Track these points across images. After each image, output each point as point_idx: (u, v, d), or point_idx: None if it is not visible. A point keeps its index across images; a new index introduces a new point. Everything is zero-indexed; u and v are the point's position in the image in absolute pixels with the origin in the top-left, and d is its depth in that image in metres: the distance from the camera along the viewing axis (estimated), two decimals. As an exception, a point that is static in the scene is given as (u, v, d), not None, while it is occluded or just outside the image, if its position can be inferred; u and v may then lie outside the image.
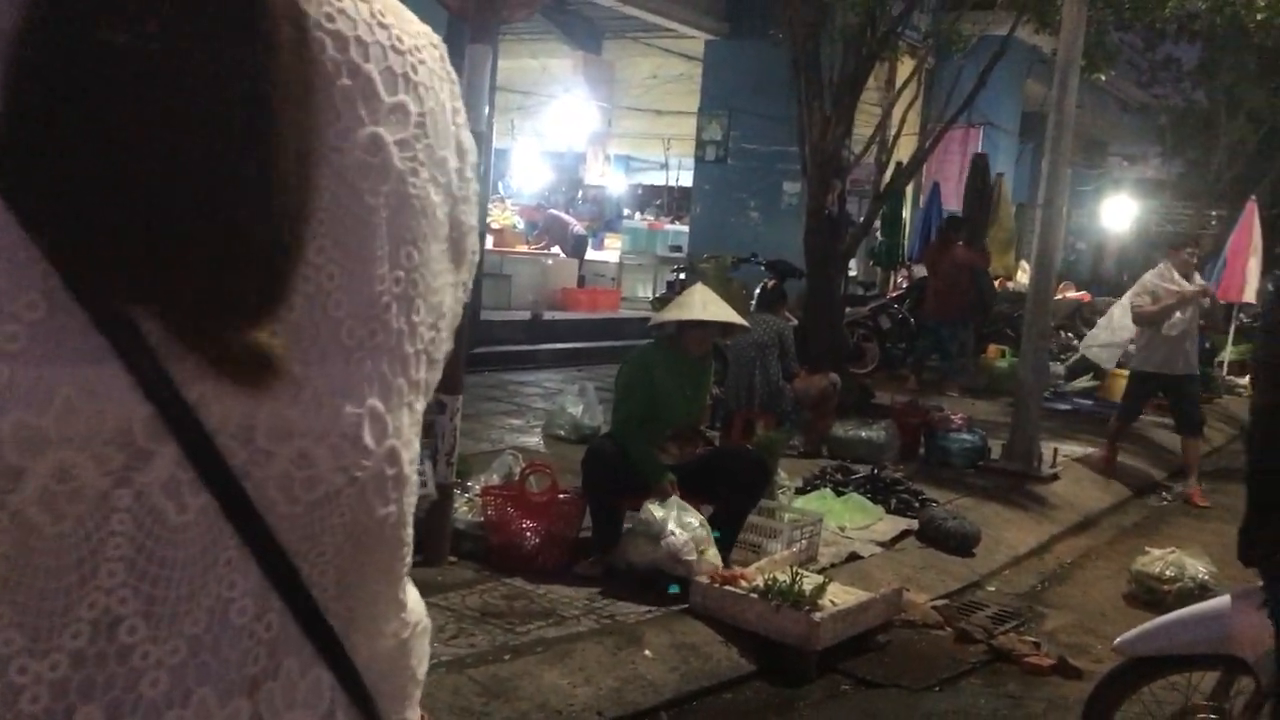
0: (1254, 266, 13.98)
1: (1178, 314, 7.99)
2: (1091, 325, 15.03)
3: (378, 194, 0.64)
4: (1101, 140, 25.47)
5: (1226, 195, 18.28)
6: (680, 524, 4.63)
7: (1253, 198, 14.73)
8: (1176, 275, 8.10)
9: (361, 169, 0.63)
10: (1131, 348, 9.62)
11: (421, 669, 0.77)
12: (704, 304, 5.18)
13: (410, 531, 0.69)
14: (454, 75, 0.72)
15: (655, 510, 4.65)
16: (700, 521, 4.72)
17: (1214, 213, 19.11)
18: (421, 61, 0.68)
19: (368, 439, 0.63)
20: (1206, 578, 5.46)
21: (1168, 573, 5.56)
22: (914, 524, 6.17)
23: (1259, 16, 9.08)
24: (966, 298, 11.82)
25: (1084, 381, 12.76)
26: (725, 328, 5.39)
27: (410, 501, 0.68)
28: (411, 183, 0.66)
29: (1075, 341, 14.68)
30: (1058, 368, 13.11)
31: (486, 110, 5.42)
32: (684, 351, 5.12)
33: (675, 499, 4.71)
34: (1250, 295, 14.78)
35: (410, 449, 0.67)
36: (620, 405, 5.09)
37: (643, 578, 4.65)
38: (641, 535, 4.68)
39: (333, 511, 0.62)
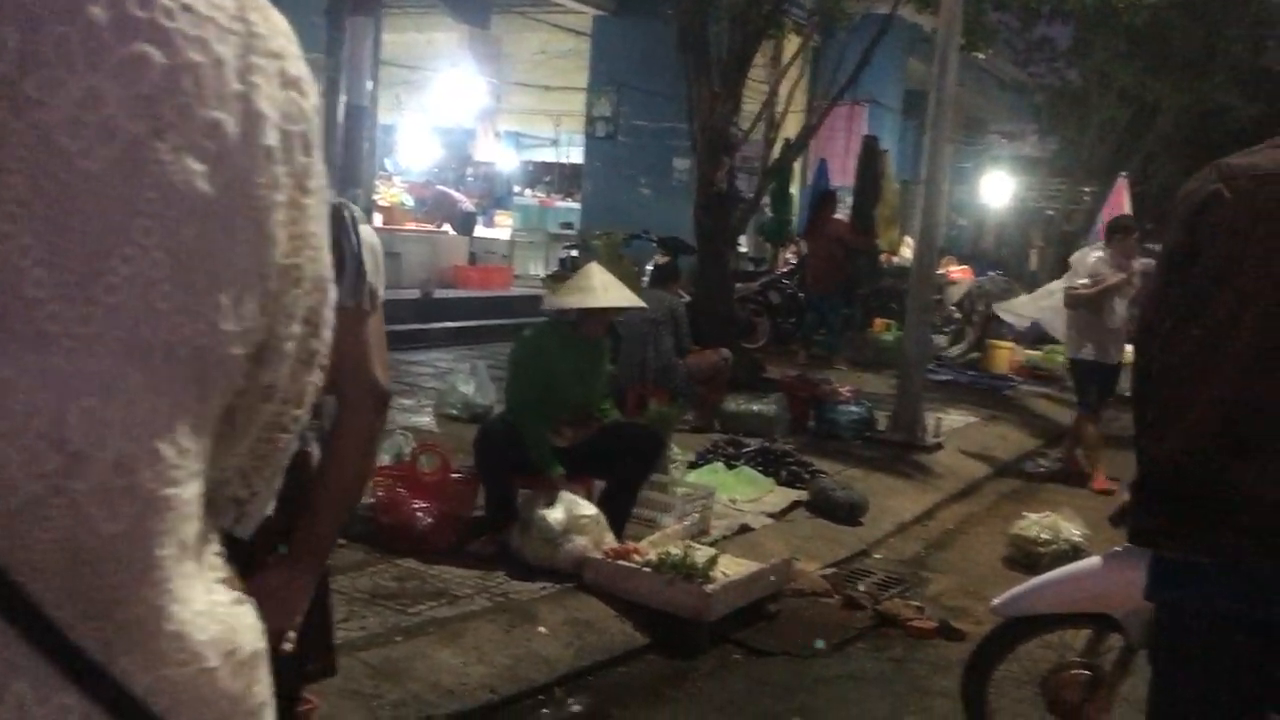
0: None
1: (1117, 302, 7.51)
2: (983, 304, 15.48)
3: (94, 157, 0.54)
4: (981, 118, 26.13)
5: (1099, 172, 18.92)
6: (578, 526, 4.62)
7: (1123, 174, 15.30)
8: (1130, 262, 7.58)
9: (72, 127, 0.54)
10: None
11: (256, 696, 0.68)
12: (604, 287, 5.13)
13: (169, 554, 0.60)
14: (260, 28, 0.61)
15: (550, 514, 4.62)
16: (595, 514, 4.72)
17: (1087, 189, 19.77)
18: (185, 7, 0.57)
19: (77, 443, 0.54)
20: (1079, 540, 5.68)
21: (1043, 536, 5.77)
22: (804, 495, 6.29)
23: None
24: (843, 271, 12.06)
25: (961, 349, 13.13)
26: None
27: (166, 519, 0.59)
28: (153, 146, 0.56)
29: (957, 315, 15.10)
30: (942, 340, 13.48)
31: (370, 84, 5.32)
32: (581, 333, 5.09)
33: (565, 495, 4.71)
34: (1121, 268, 15.38)
35: (160, 461, 0.57)
36: (515, 388, 5.04)
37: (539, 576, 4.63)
38: (539, 539, 4.63)
39: (38, 524, 0.54)
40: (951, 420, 9.13)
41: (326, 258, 0.69)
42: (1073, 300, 7.72)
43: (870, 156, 13.95)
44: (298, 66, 0.63)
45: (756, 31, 9.33)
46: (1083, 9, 14.42)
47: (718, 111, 9.31)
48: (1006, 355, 12.61)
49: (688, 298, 9.71)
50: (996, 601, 3.39)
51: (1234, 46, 18.13)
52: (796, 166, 14.97)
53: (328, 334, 0.72)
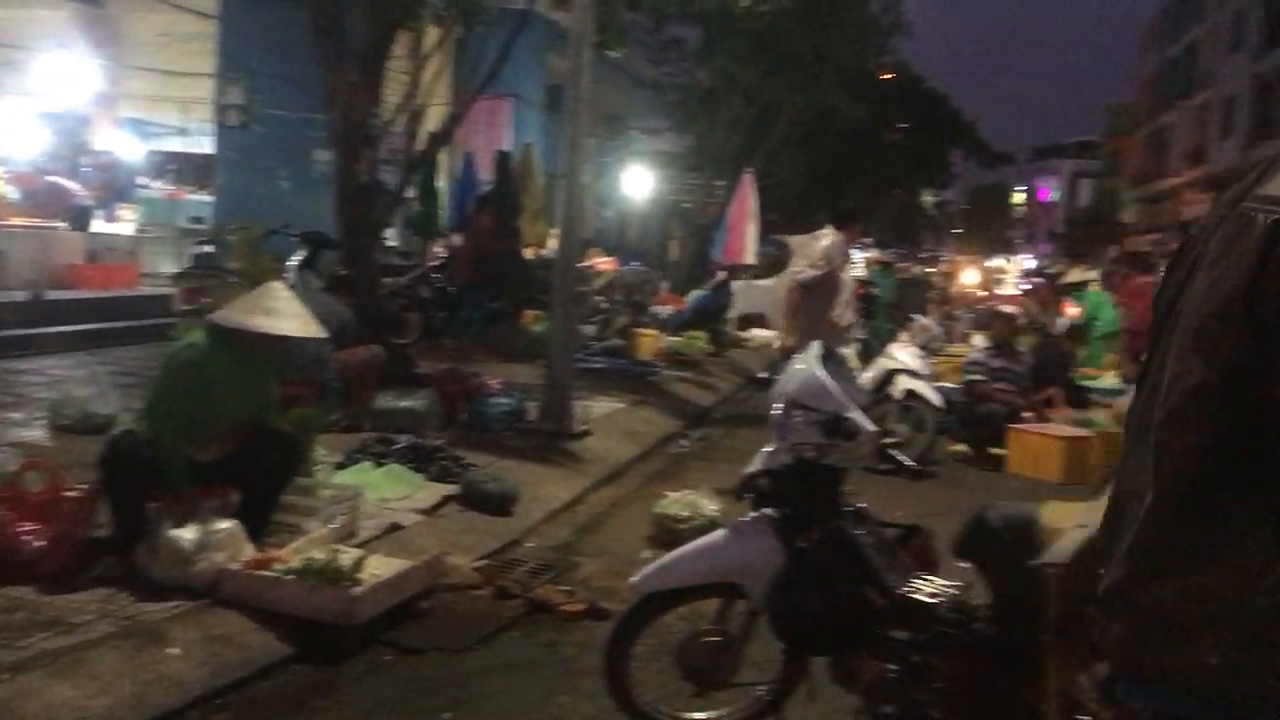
0: (751, 232, 15.59)
1: (845, 300, 7.28)
2: (623, 293, 16.04)
3: None
4: (622, 114, 27.09)
5: (729, 167, 20.18)
6: (212, 541, 4.37)
7: (748, 170, 16.38)
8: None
9: None
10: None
11: None
12: (294, 315, 4.81)
13: None
14: None
15: (182, 535, 4.34)
16: (231, 525, 4.49)
17: (720, 183, 21.02)
18: None
19: None
20: (716, 514, 6.02)
21: (683, 513, 6.08)
22: (455, 489, 6.28)
23: (743, 3, 10.03)
24: (492, 266, 12.21)
25: (614, 340, 13.54)
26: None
27: None
28: None
29: (605, 304, 15.60)
30: (590, 329, 13.86)
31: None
32: (249, 349, 4.78)
33: (198, 509, 4.45)
34: (750, 258, 16.48)
35: None
36: (161, 400, 4.64)
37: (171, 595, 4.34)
38: (169, 558, 4.33)
39: None
40: (600, 407, 9.43)
41: None
42: (801, 288, 7.40)
43: (503, 170, 14.05)
44: None
45: (393, 21, 9.18)
46: (705, 13, 15.26)
47: (357, 102, 9.09)
48: (651, 342, 13.15)
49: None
50: (633, 579, 3.54)
51: (840, 53, 19.87)
52: (443, 160, 14.91)
53: None
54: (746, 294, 15.62)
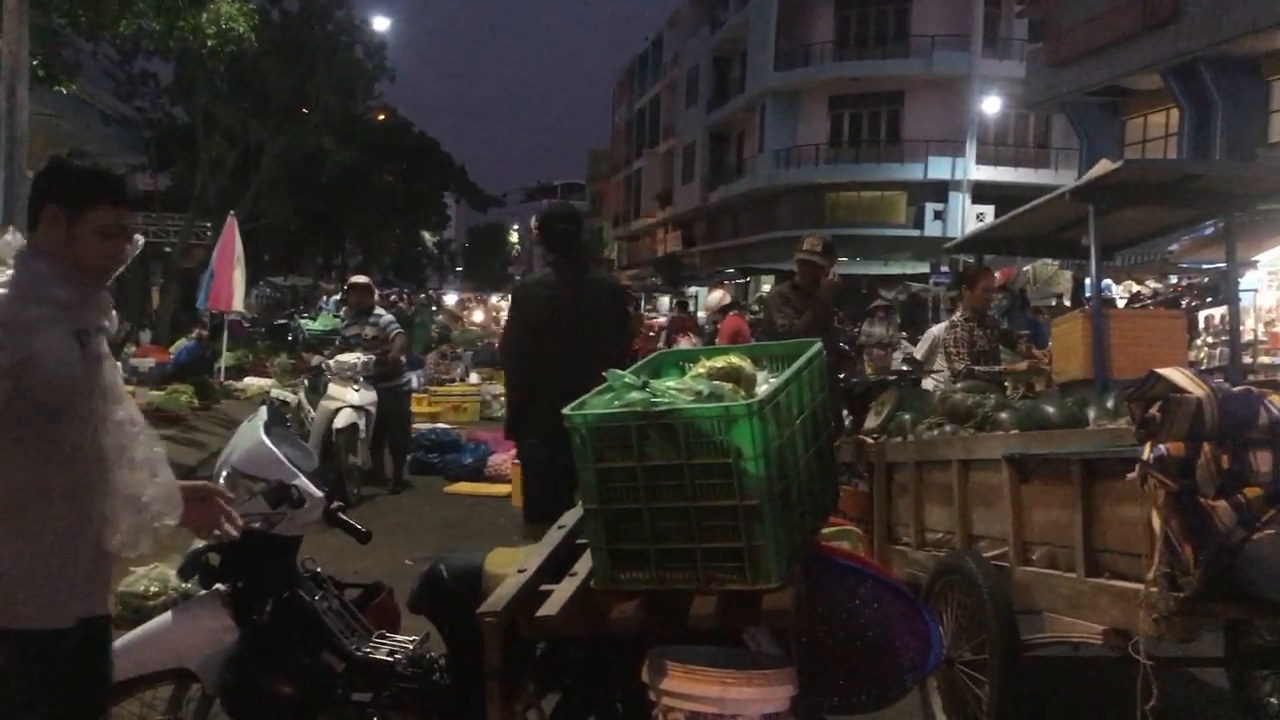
0: (239, 277, 14.95)
1: None
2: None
3: None
4: (91, 151, 24.89)
5: (214, 208, 19.20)
6: None
7: (232, 213, 15.69)
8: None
9: None
10: None
11: None
12: None
13: None
14: None
15: None
16: None
17: (205, 225, 19.94)
18: None
19: None
20: (190, 587, 5.64)
21: (152, 589, 5.62)
22: None
23: (209, 44, 9.62)
24: None
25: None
26: None
27: None
28: None
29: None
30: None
31: None
32: None
33: None
34: (239, 305, 15.80)
35: None
36: None
37: None
38: None
39: None
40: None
41: None
42: None
43: None
44: None
45: None
46: (184, 48, 14.49)
47: None
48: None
49: None
50: (67, 678, 3.20)
51: (325, 95, 19.65)
52: None
53: None
54: None
